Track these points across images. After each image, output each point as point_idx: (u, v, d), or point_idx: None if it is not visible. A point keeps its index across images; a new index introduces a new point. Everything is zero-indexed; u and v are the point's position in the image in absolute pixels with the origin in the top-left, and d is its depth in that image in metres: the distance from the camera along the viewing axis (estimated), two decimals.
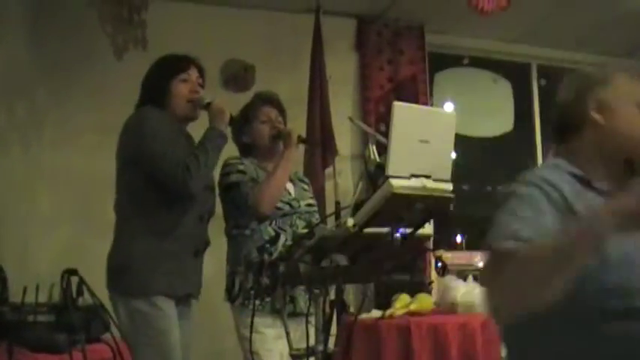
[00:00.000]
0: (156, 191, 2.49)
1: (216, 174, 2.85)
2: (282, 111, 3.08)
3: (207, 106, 2.64)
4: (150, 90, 2.66)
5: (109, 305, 2.37)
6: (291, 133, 2.93)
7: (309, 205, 3.01)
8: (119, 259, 2.49)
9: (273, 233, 2.82)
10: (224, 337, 3.33)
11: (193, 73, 2.69)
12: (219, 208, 2.86)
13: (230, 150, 2.99)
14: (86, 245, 4.00)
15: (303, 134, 3.03)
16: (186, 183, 2.43)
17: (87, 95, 4.42)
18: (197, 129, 2.68)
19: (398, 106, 1.83)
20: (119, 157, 2.59)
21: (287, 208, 2.88)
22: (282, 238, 2.79)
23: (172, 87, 2.63)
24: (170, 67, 2.67)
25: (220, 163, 2.87)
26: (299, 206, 2.93)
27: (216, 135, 2.58)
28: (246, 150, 3.05)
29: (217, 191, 2.86)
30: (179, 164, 2.43)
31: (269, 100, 3.07)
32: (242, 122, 3.00)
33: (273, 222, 2.84)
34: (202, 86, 2.73)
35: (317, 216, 3.04)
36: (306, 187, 3.12)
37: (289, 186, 2.98)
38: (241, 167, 2.88)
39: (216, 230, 2.81)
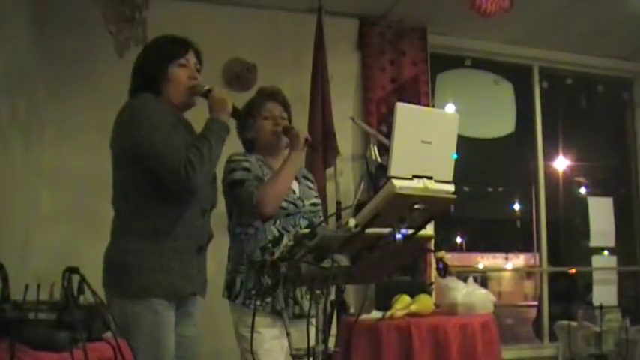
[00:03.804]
0: (155, 187, 2.35)
1: (220, 168, 2.81)
2: (286, 106, 3.05)
3: (207, 94, 2.50)
4: (145, 75, 2.50)
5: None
6: (298, 134, 2.88)
7: (314, 204, 2.98)
8: (118, 258, 2.37)
9: (276, 233, 2.81)
10: (222, 334, 3.32)
11: (192, 58, 2.54)
12: (220, 204, 2.83)
13: (235, 145, 2.98)
14: (86, 243, 3.99)
15: (308, 135, 2.98)
16: (189, 179, 2.29)
17: (88, 94, 4.42)
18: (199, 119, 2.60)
19: (401, 106, 1.83)
20: (114, 150, 2.46)
21: (291, 207, 2.86)
22: (285, 239, 2.79)
23: (170, 72, 2.48)
24: (168, 50, 2.52)
25: (224, 158, 2.81)
26: (303, 206, 2.91)
27: (218, 127, 2.43)
28: (249, 145, 3.03)
29: (220, 186, 2.82)
30: (181, 160, 2.28)
31: (272, 95, 3.03)
32: (245, 118, 2.94)
33: (277, 222, 2.83)
34: (199, 71, 2.59)
35: (321, 215, 3.03)
36: (311, 185, 3.09)
37: (294, 185, 2.95)
38: (246, 165, 2.86)
39: (217, 227, 2.79)
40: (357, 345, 3.59)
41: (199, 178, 2.34)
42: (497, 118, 6.14)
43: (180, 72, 2.51)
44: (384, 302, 3.89)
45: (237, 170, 2.85)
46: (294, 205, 2.88)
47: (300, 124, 3.78)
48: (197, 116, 2.58)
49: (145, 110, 2.37)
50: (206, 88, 2.51)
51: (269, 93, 3.05)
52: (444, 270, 2.83)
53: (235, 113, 2.56)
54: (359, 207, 1.91)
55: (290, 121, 3.05)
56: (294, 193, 2.93)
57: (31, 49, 4.13)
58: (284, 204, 2.83)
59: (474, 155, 5.96)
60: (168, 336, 2.38)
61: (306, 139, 2.91)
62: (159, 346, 2.34)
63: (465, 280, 4.14)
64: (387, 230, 1.91)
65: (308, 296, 2.72)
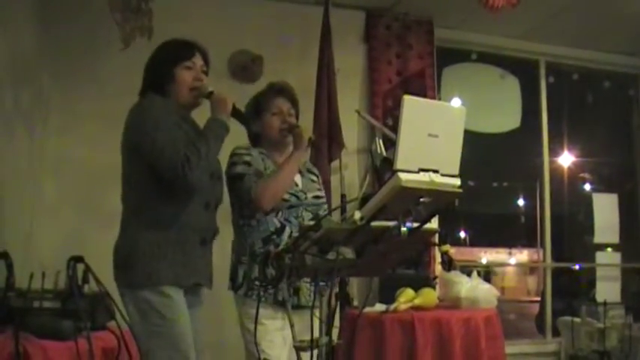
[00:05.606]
0: (158, 182, 2.45)
1: (224, 162, 2.83)
2: (294, 102, 3.05)
3: (210, 95, 2.61)
4: (153, 76, 2.62)
5: (114, 293, 2.36)
6: (302, 134, 2.90)
7: (317, 197, 2.99)
8: (125, 251, 2.45)
9: (278, 225, 2.82)
10: (227, 325, 3.33)
11: (198, 61, 2.65)
12: (226, 197, 2.84)
13: (239, 138, 2.97)
14: (90, 233, 4.01)
15: (312, 131, 2.99)
16: (185, 176, 2.39)
17: (92, 83, 4.42)
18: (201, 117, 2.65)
19: (408, 99, 1.81)
20: (122, 147, 2.57)
21: (293, 199, 2.87)
22: (288, 230, 2.80)
23: (176, 74, 2.59)
24: (175, 53, 2.63)
25: (229, 151, 2.86)
26: (305, 198, 2.92)
27: (217, 125, 2.54)
28: (255, 139, 3.04)
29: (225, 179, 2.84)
30: (179, 157, 2.38)
31: (282, 91, 3.03)
32: (253, 111, 2.99)
33: (279, 213, 2.84)
34: (206, 73, 2.68)
35: (325, 207, 3.03)
36: (314, 178, 3.10)
37: (297, 177, 2.96)
38: (248, 158, 2.87)
39: (222, 219, 2.80)
40: (360, 338, 3.60)
41: (196, 174, 2.42)
42: (502, 113, 6.12)
43: (185, 74, 2.61)
44: (387, 295, 3.90)
45: (238, 164, 2.87)
46: (297, 197, 2.89)
47: (306, 116, 3.77)
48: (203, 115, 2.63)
49: (151, 110, 2.49)
50: (209, 90, 2.61)
51: (279, 89, 3.05)
52: (448, 264, 2.83)
53: (235, 112, 2.65)
54: (364, 200, 1.90)
55: (297, 117, 3.06)
56: (296, 185, 2.95)
57: (35, 37, 4.12)
58: (286, 196, 2.85)
59: (479, 150, 5.94)
60: (183, 317, 2.44)
61: (310, 139, 2.92)
62: (175, 327, 2.40)
63: (468, 274, 4.14)
64: (392, 223, 1.90)
65: (309, 287, 2.75)
